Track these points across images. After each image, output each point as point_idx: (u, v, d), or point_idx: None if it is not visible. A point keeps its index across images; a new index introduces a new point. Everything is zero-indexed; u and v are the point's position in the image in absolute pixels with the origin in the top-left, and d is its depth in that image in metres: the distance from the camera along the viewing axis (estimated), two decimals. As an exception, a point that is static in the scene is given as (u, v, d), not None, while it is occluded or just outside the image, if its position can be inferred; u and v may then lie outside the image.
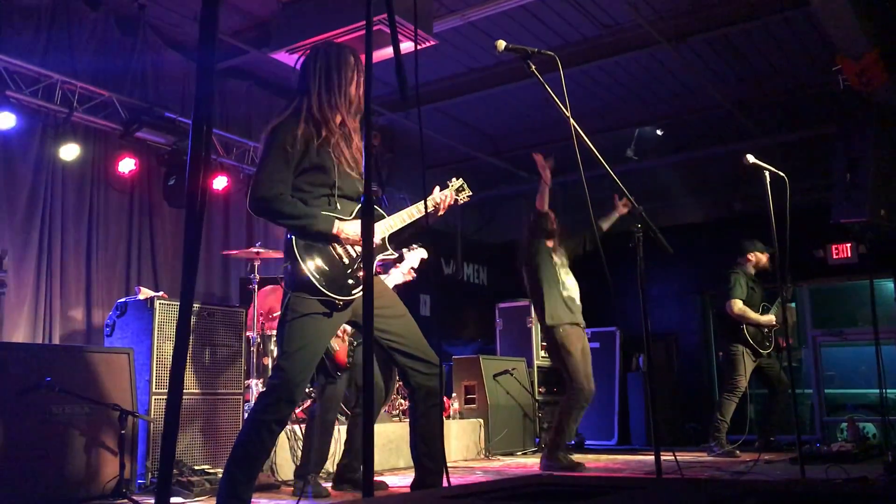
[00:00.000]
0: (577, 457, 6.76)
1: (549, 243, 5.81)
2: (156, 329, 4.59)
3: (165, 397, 4.74)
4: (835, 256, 8.42)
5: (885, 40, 6.26)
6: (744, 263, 6.75)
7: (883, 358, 6.36)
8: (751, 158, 4.60)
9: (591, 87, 8.11)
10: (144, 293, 4.81)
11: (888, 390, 7.04)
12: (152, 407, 4.50)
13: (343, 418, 5.22)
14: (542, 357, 7.92)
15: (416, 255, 5.49)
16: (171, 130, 6.68)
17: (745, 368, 6.48)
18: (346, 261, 3.15)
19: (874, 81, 6.13)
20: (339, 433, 4.83)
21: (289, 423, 4.59)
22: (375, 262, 3.35)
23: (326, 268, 3.09)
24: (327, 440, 4.46)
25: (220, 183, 7.22)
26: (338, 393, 4.50)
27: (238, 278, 7.30)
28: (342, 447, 4.71)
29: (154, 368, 4.55)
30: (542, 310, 5.65)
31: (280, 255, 5.53)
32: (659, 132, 8.99)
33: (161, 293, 4.85)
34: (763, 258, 6.72)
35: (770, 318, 6.56)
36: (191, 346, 4.75)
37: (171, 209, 6.95)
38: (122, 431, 4.03)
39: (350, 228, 3.12)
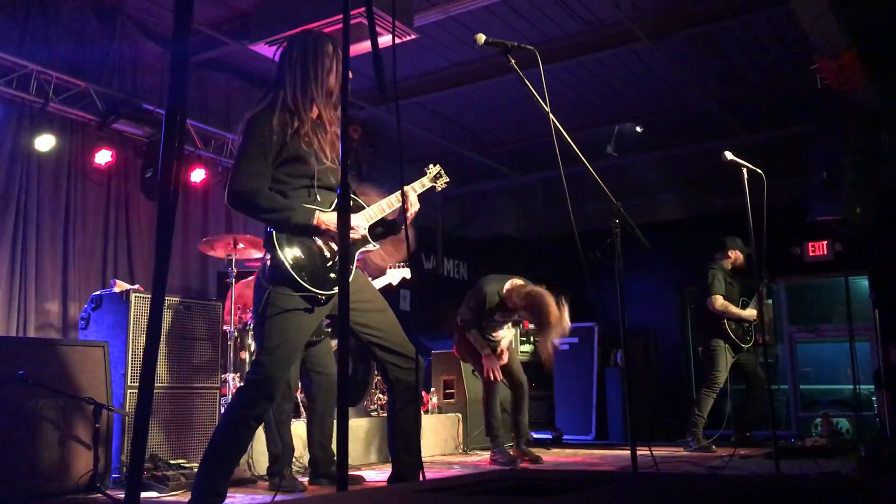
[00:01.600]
0: (554, 451, 6.81)
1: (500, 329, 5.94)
2: (131, 322, 4.54)
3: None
4: (811, 254, 8.49)
5: (863, 40, 6.32)
6: (722, 259, 6.79)
7: (857, 354, 6.45)
8: (729, 155, 4.63)
9: (572, 83, 8.12)
10: (120, 286, 4.76)
11: (861, 386, 7.13)
12: (127, 401, 4.46)
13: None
14: (522, 352, 7.93)
15: (398, 274, 5.49)
16: (149, 122, 6.61)
17: (725, 364, 6.52)
18: (328, 254, 3.12)
19: (852, 81, 6.18)
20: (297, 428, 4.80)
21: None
22: (356, 255, 3.33)
23: (308, 262, 3.06)
24: (289, 432, 4.44)
25: (198, 175, 7.16)
26: (290, 384, 4.44)
27: (216, 271, 7.25)
28: (305, 441, 4.66)
29: (129, 362, 4.51)
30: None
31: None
32: (639, 129, 9.03)
33: (137, 286, 4.81)
34: (741, 257, 6.76)
35: (752, 312, 6.60)
36: (167, 340, 4.71)
37: (147, 202, 6.88)
38: (97, 425, 3.98)
39: (330, 219, 3.08)
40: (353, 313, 3.07)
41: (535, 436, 7.45)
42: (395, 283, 5.49)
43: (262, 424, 4.35)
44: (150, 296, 4.66)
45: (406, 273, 5.50)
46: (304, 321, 3.07)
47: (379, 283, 5.36)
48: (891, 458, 4.53)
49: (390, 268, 5.46)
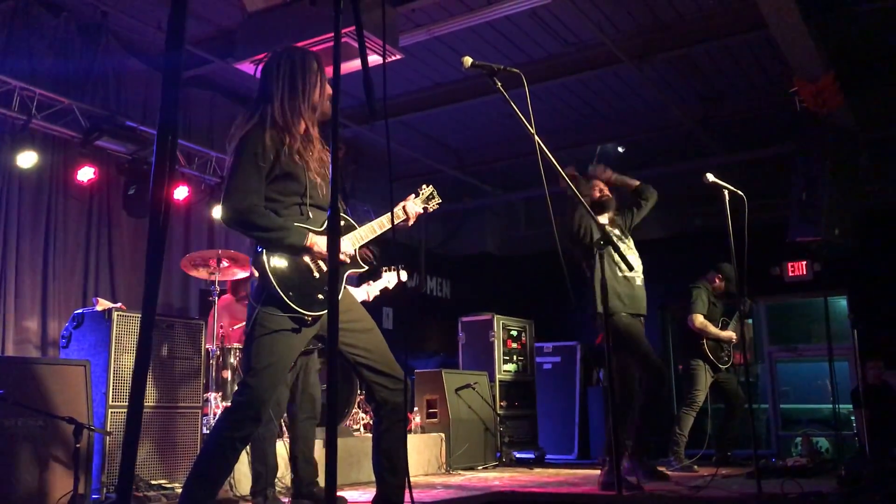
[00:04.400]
0: (537, 471, 6.79)
1: (601, 218, 5.04)
2: (113, 341, 4.50)
3: (122, 410, 4.63)
4: (790, 274, 8.57)
5: (841, 63, 6.43)
6: (711, 279, 6.82)
7: (836, 373, 6.51)
8: (710, 177, 4.67)
9: (555, 104, 8.19)
10: (102, 304, 4.72)
11: (841, 405, 7.19)
12: (108, 420, 4.41)
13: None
14: (504, 371, 7.93)
15: (393, 277, 5.47)
16: (132, 139, 6.59)
17: (704, 383, 6.55)
18: (317, 275, 3.09)
19: (830, 103, 6.29)
20: (282, 447, 4.77)
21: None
22: (345, 276, 3.31)
23: (296, 283, 3.03)
24: (274, 451, 4.41)
25: (181, 193, 7.14)
26: (280, 401, 4.42)
27: (198, 289, 7.21)
28: (287, 460, 4.64)
29: (111, 381, 4.46)
30: (593, 295, 4.73)
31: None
32: (621, 149, 9.10)
33: (119, 304, 4.77)
34: (723, 286, 6.80)
35: (730, 333, 6.64)
36: (149, 359, 4.67)
37: (130, 219, 6.85)
38: (77, 445, 3.93)
39: (323, 241, 3.05)
40: (340, 333, 3.05)
41: (518, 455, 7.44)
42: (391, 286, 5.45)
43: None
44: (131, 314, 4.63)
45: (402, 276, 5.49)
46: (292, 342, 3.05)
47: (375, 288, 5.33)
48: (871, 477, 4.57)
49: (385, 271, 5.43)
